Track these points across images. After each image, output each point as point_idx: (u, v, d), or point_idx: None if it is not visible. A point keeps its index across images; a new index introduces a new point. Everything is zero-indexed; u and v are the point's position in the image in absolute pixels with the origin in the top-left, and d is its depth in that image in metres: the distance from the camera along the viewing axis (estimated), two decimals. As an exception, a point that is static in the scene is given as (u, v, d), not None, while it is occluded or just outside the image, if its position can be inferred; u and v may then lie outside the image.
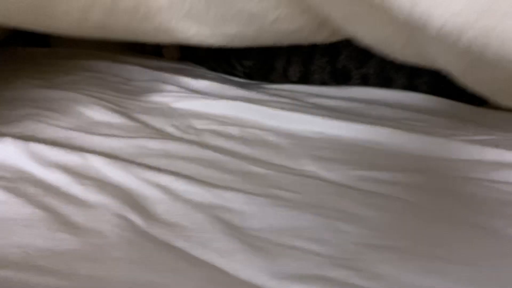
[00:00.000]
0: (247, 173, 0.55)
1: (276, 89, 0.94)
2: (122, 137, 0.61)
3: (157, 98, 0.79)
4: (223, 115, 0.73)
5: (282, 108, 0.77)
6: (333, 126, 0.71)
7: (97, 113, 0.68)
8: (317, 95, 0.89)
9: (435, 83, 0.91)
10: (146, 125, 0.67)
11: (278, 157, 0.61)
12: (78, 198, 0.46)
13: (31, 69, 0.87)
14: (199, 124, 0.70)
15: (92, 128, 0.64)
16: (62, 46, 1.11)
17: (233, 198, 0.48)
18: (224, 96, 0.85)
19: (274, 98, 0.86)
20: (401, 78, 0.92)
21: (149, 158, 0.56)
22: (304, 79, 1.00)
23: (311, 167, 0.58)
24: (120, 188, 0.48)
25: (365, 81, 0.95)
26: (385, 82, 0.94)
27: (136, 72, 0.94)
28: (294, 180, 0.54)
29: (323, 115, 0.73)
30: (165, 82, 0.89)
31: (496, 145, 0.63)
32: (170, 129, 0.67)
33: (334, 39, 0.78)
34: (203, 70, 1.08)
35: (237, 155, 0.60)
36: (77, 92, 0.75)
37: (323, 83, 0.98)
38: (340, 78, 0.97)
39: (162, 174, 0.51)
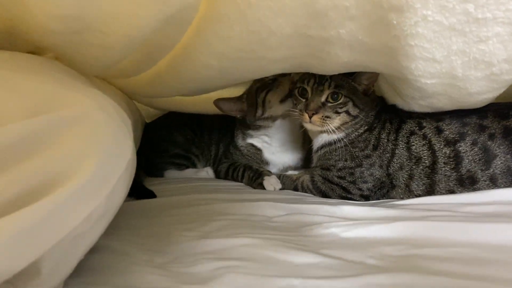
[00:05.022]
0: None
1: (412, 204, 0.91)
2: (346, 277, 0.55)
3: (321, 230, 0.74)
4: (408, 237, 0.68)
5: (454, 221, 0.73)
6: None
7: (290, 256, 0.62)
8: (463, 204, 0.85)
9: None
10: (344, 260, 0.62)
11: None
12: None
13: (173, 221, 0.83)
14: (393, 251, 0.64)
15: (300, 271, 0.58)
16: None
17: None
18: (377, 218, 0.81)
19: (425, 213, 0.82)
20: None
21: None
22: (429, 191, 0.98)
23: None
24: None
25: (493, 182, 0.94)
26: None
27: (266, 208, 0.90)
28: None
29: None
30: (304, 213, 0.86)
31: None
32: (372, 261, 0.61)
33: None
34: (317, 198, 1.06)
35: (468, 277, 0.54)
36: (245, 237, 0.70)
37: (450, 191, 0.97)
38: (467, 182, 0.95)
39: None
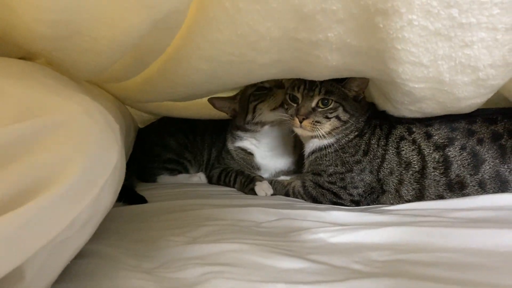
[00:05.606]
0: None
1: (400, 210, 0.91)
2: (330, 282, 0.55)
3: (309, 236, 0.75)
4: (394, 243, 0.69)
5: (441, 226, 0.74)
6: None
7: (277, 261, 0.63)
8: (451, 209, 0.86)
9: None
10: (330, 265, 0.62)
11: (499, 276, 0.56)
12: None
13: (162, 226, 0.83)
14: (380, 256, 0.65)
15: (285, 276, 0.58)
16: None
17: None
18: (365, 223, 0.81)
19: (413, 219, 0.83)
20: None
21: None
22: (419, 196, 0.99)
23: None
24: None
25: (482, 187, 0.95)
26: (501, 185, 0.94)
27: (255, 213, 0.91)
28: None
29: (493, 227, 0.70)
30: (293, 218, 0.86)
31: None
32: (357, 266, 0.62)
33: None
34: (307, 204, 1.06)
35: (453, 282, 0.55)
36: (232, 242, 0.70)
37: (439, 196, 0.97)
38: (456, 187, 0.96)
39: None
